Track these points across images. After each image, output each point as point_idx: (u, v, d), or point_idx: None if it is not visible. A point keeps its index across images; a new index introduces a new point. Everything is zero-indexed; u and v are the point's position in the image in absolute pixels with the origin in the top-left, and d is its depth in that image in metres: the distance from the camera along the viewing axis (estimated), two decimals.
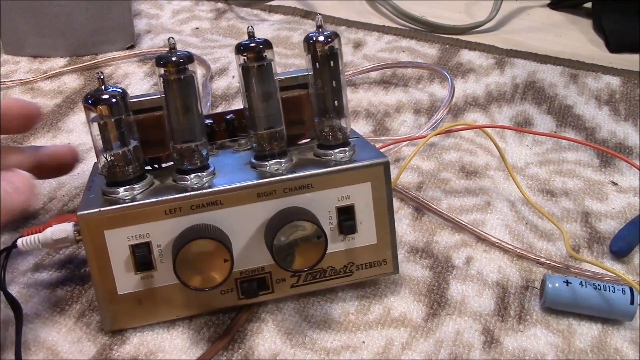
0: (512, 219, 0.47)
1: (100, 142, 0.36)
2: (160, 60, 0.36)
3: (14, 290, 0.40)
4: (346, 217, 0.38)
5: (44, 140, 0.54)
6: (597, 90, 0.64)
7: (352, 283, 0.40)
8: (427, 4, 0.81)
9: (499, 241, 0.44)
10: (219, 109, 0.60)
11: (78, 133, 0.55)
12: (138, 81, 0.64)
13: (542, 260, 0.43)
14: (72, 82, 0.63)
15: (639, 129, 0.58)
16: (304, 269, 0.36)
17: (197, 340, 0.37)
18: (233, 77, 0.65)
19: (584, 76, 0.66)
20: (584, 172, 0.52)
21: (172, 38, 0.36)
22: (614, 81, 0.65)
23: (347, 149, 0.38)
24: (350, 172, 0.37)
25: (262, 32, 0.74)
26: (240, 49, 0.37)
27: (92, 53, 0.67)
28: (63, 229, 0.38)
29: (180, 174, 0.37)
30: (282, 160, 0.37)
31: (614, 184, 0.51)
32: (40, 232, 0.38)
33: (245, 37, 0.37)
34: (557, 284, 0.39)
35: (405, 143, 0.54)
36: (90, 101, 0.35)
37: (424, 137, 0.50)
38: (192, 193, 0.35)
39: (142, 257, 0.36)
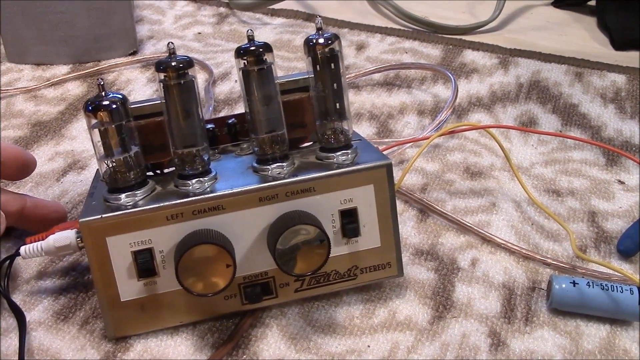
0: (518, 219, 0.47)
1: (102, 148, 0.36)
2: (160, 65, 0.36)
3: (17, 298, 0.40)
4: (349, 220, 0.37)
5: (48, 147, 0.54)
6: (603, 88, 0.63)
7: (357, 286, 0.40)
8: (430, 5, 0.81)
9: (504, 242, 0.44)
10: (222, 114, 0.60)
11: (81, 140, 0.55)
12: (141, 87, 0.64)
13: (549, 260, 0.43)
14: (75, 89, 0.63)
15: None
16: (308, 273, 0.35)
17: (201, 347, 0.37)
18: (235, 81, 0.64)
19: (588, 74, 0.66)
20: (590, 171, 0.52)
21: (172, 43, 0.36)
22: (619, 79, 0.65)
23: (349, 151, 0.38)
24: (353, 174, 0.37)
25: (265, 35, 0.74)
26: (240, 52, 0.37)
27: (95, 60, 0.67)
28: (65, 236, 0.38)
29: (182, 179, 0.37)
30: (284, 164, 0.37)
31: (621, 182, 0.51)
32: (43, 239, 0.38)
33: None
34: (563, 285, 0.38)
35: (409, 144, 0.54)
36: (90, 108, 0.35)
37: (427, 138, 0.49)
38: (193, 198, 0.35)
39: (144, 264, 0.35)
